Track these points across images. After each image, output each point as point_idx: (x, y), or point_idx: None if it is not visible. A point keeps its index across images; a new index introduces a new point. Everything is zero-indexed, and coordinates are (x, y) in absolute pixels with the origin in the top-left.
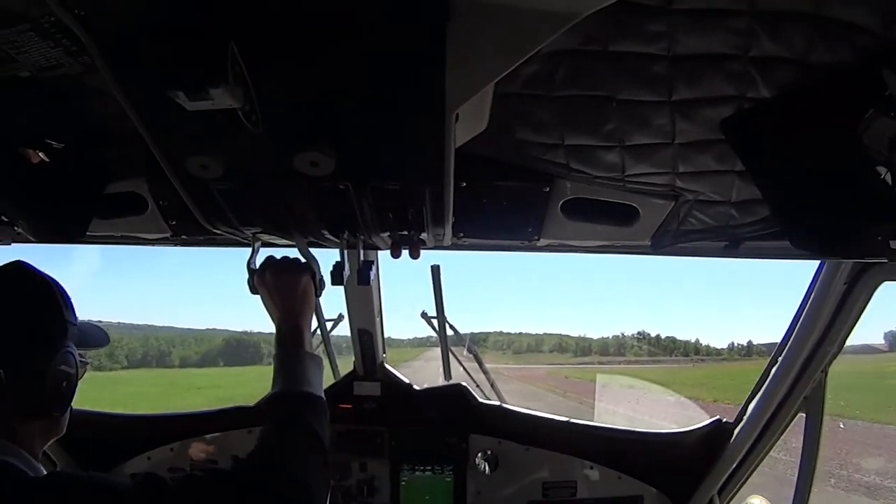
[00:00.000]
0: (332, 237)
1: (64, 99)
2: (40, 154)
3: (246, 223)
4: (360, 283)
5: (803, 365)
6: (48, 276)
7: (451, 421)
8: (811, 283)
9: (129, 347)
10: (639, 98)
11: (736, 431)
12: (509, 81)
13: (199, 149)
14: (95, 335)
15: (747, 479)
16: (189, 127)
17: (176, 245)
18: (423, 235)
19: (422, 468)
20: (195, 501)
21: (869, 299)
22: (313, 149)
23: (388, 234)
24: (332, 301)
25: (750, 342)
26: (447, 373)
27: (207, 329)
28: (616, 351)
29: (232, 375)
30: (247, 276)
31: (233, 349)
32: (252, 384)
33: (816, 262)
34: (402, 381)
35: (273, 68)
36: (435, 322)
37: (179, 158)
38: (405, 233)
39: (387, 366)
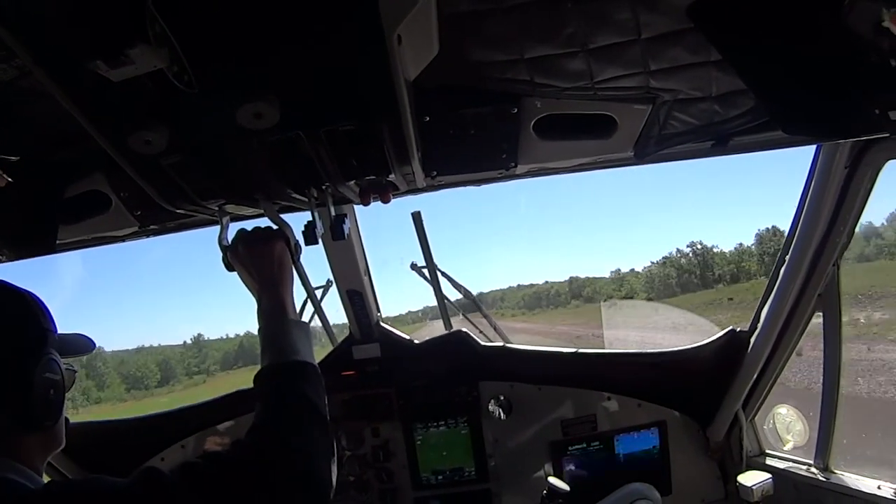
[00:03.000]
0: (298, 196)
1: (5, 109)
2: (3, 175)
3: (207, 196)
4: (335, 239)
5: (812, 260)
6: (21, 288)
7: (457, 371)
8: (809, 173)
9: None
10: None
11: (752, 340)
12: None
13: (138, 123)
14: (79, 342)
15: (771, 388)
16: (122, 101)
17: (147, 236)
18: (392, 177)
19: (435, 424)
20: (196, 489)
21: (874, 182)
22: (254, 99)
23: (355, 181)
24: (319, 269)
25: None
26: (447, 322)
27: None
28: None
29: None
30: (220, 254)
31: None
32: None
33: (812, 149)
34: (401, 337)
35: (196, 19)
36: (426, 272)
37: (121, 138)
38: (372, 178)
39: (383, 324)
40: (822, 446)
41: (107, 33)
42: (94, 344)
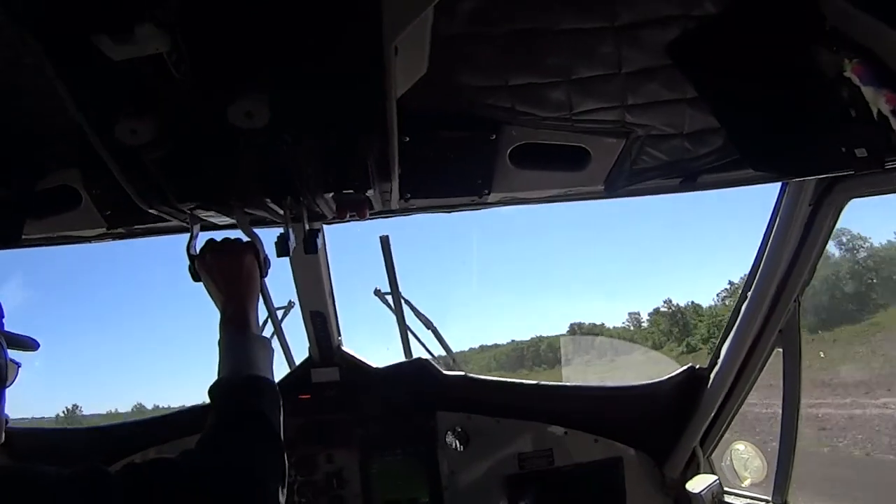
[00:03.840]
0: (274, 206)
1: None
2: None
3: (183, 198)
4: (307, 252)
5: (774, 297)
6: None
7: (416, 399)
8: (774, 210)
9: None
10: (580, 26)
11: (712, 376)
12: (448, 21)
13: (128, 110)
14: (25, 340)
15: (729, 425)
16: (115, 85)
17: (114, 239)
18: (370, 193)
19: (391, 453)
20: (134, 493)
21: (836, 219)
22: (247, 96)
23: (333, 194)
24: (282, 290)
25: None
26: (407, 351)
27: None
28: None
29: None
30: (188, 263)
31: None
32: None
33: (776, 188)
34: (361, 362)
35: (204, 8)
36: (389, 298)
37: (108, 125)
38: (350, 192)
39: (344, 348)
40: (781, 482)
41: (118, 7)
42: (38, 344)
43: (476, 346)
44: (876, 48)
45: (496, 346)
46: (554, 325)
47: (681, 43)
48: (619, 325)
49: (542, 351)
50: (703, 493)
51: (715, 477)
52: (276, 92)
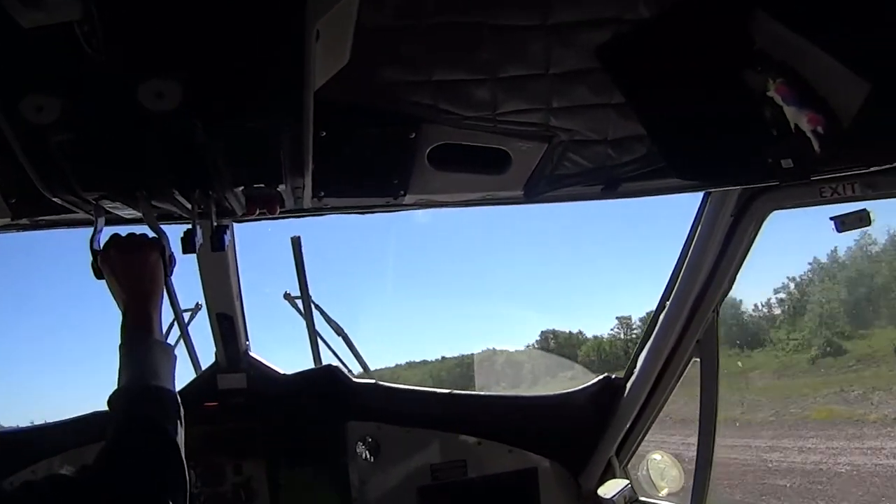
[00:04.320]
0: (181, 200)
1: None
2: None
3: (88, 186)
4: (213, 249)
5: (693, 306)
6: None
7: (325, 407)
8: (695, 220)
9: None
10: (514, 23)
11: (628, 386)
12: (376, 12)
13: (35, 84)
14: None
15: (645, 434)
16: (24, 54)
17: (18, 230)
18: (281, 188)
19: (300, 463)
20: None
21: (758, 230)
22: (159, 75)
23: (243, 188)
24: (190, 292)
25: None
26: (317, 358)
27: None
28: None
29: None
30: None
31: None
32: None
33: (697, 197)
34: (269, 369)
35: None
36: (299, 303)
37: (13, 99)
38: (261, 186)
39: (251, 353)
40: (698, 492)
41: None
42: None
43: (402, 362)
44: (799, 70)
45: (425, 362)
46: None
47: (612, 46)
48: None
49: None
50: (615, 497)
51: (626, 481)
52: (189, 71)
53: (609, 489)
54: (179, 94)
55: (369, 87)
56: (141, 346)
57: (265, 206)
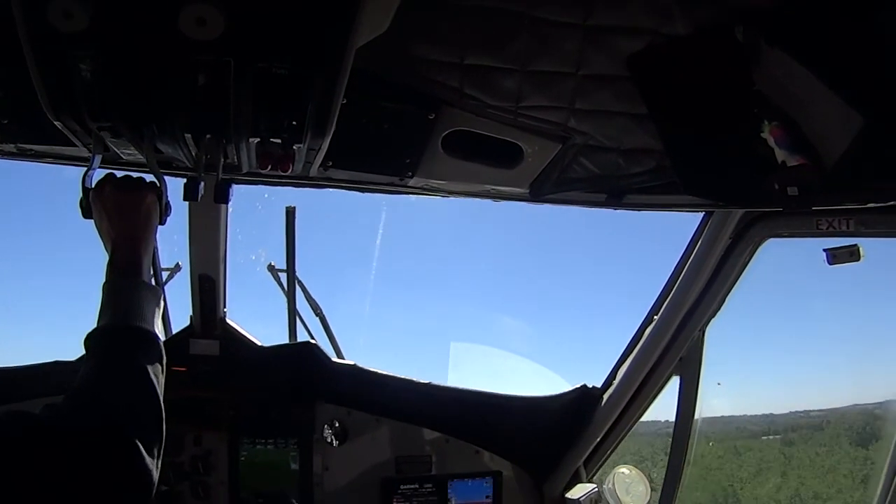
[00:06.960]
0: (191, 144)
1: None
2: None
3: (97, 114)
4: (217, 201)
5: (680, 324)
6: None
7: (297, 385)
8: (692, 239)
9: None
10: (553, 18)
11: (605, 397)
12: None
13: None
14: None
15: (616, 447)
16: None
17: (3, 157)
18: (298, 146)
19: (263, 441)
20: None
21: (752, 255)
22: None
23: (258, 142)
24: (170, 253)
25: None
26: (293, 335)
27: None
28: None
29: None
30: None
31: None
32: None
33: (694, 217)
34: (245, 338)
35: None
36: (283, 276)
37: (41, 3)
38: (278, 141)
39: (229, 321)
40: None
41: None
42: None
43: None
44: (796, 118)
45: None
46: None
47: (643, 56)
48: None
49: None
50: (581, 499)
51: (594, 485)
52: (237, 2)
53: (576, 492)
54: (222, 24)
55: (399, 61)
56: (128, 285)
57: (278, 164)
